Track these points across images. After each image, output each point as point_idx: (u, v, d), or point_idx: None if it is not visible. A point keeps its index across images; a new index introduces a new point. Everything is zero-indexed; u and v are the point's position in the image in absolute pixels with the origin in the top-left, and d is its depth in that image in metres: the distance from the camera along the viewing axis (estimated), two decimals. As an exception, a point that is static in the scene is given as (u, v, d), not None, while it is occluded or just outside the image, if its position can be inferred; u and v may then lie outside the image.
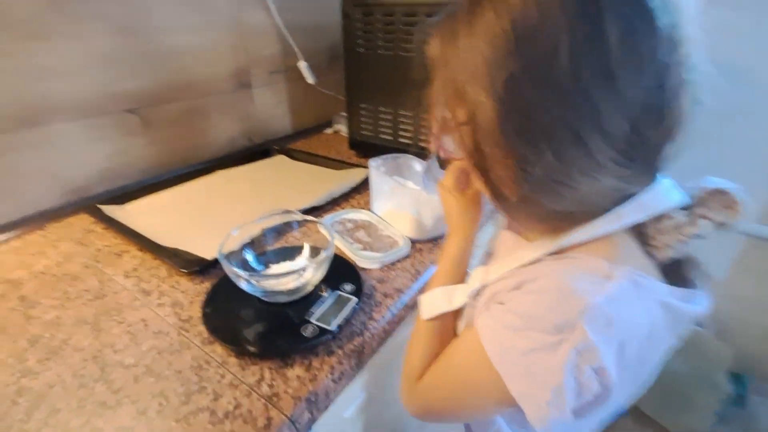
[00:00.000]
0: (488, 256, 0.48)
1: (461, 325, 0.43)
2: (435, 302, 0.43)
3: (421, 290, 0.57)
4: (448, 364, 0.38)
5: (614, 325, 0.27)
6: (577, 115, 0.26)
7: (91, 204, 0.73)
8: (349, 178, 0.84)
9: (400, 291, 0.55)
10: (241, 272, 0.46)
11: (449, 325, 0.43)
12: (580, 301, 0.28)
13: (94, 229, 0.70)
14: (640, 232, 0.33)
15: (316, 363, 0.44)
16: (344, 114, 1.18)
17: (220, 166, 0.93)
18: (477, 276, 0.40)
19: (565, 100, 0.26)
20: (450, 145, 0.34)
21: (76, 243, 0.66)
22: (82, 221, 0.72)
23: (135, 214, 0.73)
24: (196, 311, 0.51)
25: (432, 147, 0.43)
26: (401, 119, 0.88)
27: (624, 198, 0.30)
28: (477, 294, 0.39)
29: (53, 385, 0.41)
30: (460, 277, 0.46)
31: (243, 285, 0.48)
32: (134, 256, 0.63)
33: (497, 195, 0.32)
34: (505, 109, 0.27)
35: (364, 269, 0.59)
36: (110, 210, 0.72)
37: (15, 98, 0.66)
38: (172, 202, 0.78)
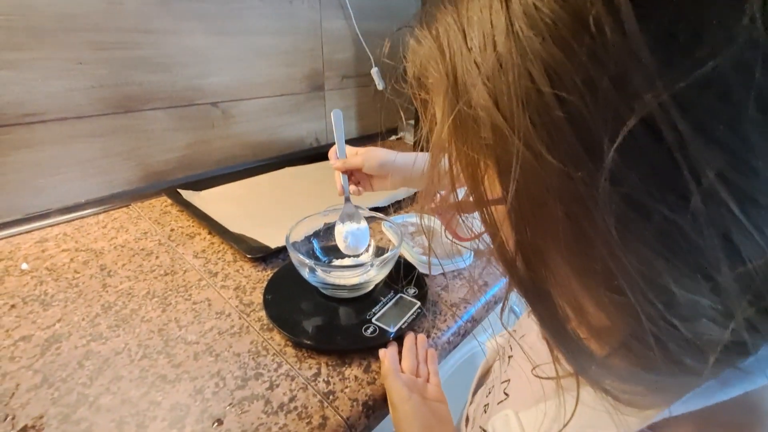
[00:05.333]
0: (487, 382, 0.32)
1: None
2: None
3: (488, 304, 0.53)
4: None
5: None
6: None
7: (171, 188, 0.78)
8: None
9: (466, 302, 0.51)
10: (307, 260, 0.45)
11: None
12: None
13: (170, 211, 0.73)
14: None
15: (375, 366, 0.40)
16: (411, 122, 1.18)
17: (288, 163, 0.95)
18: None
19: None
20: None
21: (153, 222, 0.69)
22: (162, 203, 0.76)
23: (208, 200, 0.76)
24: (257, 297, 0.50)
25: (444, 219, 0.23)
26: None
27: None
28: None
29: (119, 352, 0.41)
30: None
31: (306, 274, 0.46)
32: (204, 238, 0.64)
33: (552, 326, 0.18)
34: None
35: (425, 275, 0.56)
36: (188, 195, 0.76)
37: (118, 85, 0.72)
38: (242, 192, 0.81)
